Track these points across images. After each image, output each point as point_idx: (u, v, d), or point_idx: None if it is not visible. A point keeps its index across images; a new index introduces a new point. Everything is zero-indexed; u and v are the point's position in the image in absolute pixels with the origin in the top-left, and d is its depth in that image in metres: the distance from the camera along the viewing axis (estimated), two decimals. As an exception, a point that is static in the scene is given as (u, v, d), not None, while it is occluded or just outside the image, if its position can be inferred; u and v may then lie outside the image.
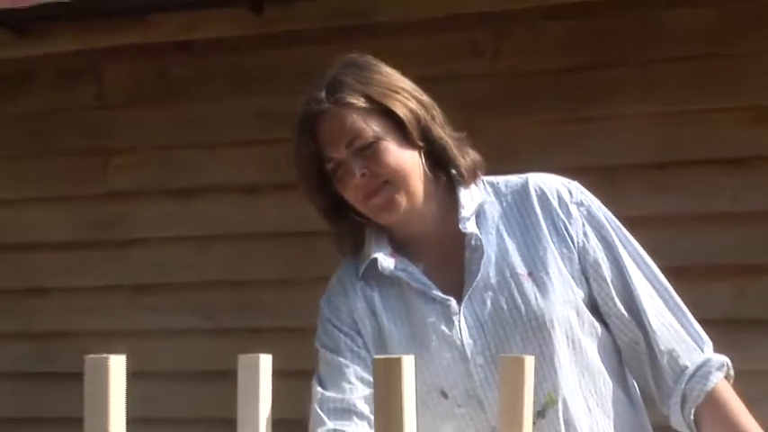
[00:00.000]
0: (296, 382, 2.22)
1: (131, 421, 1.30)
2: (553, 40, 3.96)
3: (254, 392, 1.42)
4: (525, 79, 3.96)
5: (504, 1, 3.89)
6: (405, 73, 1.85)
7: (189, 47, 4.33)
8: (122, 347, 1.31)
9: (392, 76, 1.79)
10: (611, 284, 1.76)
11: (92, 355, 1.28)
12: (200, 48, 4.33)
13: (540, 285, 1.73)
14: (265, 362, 1.40)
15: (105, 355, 1.30)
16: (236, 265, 4.28)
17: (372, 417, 1.49)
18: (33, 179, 4.55)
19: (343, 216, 1.82)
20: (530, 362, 1.40)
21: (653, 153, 3.84)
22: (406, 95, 1.77)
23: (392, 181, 1.73)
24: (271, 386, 1.43)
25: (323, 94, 1.74)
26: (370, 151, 1.72)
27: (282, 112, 3.98)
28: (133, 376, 1.29)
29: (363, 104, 1.73)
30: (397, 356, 1.18)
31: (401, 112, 1.74)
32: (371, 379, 1.67)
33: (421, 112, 1.77)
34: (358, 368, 1.72)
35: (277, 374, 1.40)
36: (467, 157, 1.80)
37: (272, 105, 4.14)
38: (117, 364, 1.30)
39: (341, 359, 1.74)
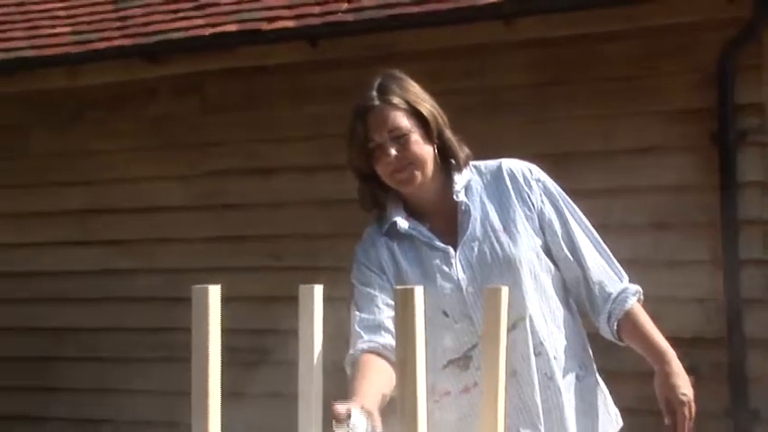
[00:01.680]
0: (340, 304, 2.23)
1: (224, 330, 1.32)
2: (523, 64, 3.93)
3: (310, 311, 1.43)
4: (503, 92, 3.94)
5: (486, 36, 3.87)
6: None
7: (265, 69, 4.32)
8: (218, 280, 1.31)
9: (419, 88, 1.77)
10: (560, 237, 1.76)
11: (197, 285, 1.29)
12: (273, 70, 4.31)
13: (512, 237, 1.72)
14: (318, 290, 1.40)
15: (206, 286, 1.30)
16: (299, 222, 4.29)
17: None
18: (157, 163, 4.56)
19: (371, 187, 1.79)
20: (505, 290, 1.42)
21: (593, 144, 3.81)
22: (430, 105, 1.75)
23: (414, 163, 1.71)
24: (322, 307, 1.44)
25: (375, 94, 1.72)
26: (403, 140, 1.70)
27: (330, 115, 4.02)
28: (225, 300, 1.30)
29: (403, 106, 1.71)
30: (411, 287, 1.19)
31: (428, 114, 1.73)
32: (394, 304, 1.69)
33: (439, 118, 1.76)
34: (384, 296, 1.70)
35: (326, 299, 1.41)
36: (463, 153, 1.78)
37: (323, 111, 4.13)
38: (214, 292, 1.31)
39: (371, 290, 1.72)
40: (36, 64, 4.53)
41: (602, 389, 1.84)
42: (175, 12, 4.48)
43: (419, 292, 1.20)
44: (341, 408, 1.35)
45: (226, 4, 4.39)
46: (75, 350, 4.71)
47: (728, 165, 3.60)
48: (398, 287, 1.19)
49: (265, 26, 4.09)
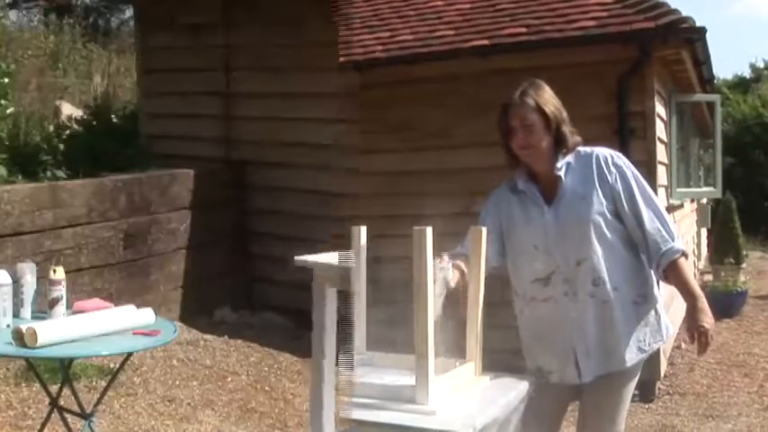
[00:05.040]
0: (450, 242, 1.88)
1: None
2: (494, 84, 3.65)
3: (422, 243, 1.31)
4: (482, 101, 3.65)
5: (471, 67, 3.88)
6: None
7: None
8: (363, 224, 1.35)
9: (550, 93, 1.66)
10: (626, 207, 1.64)
11: (416, 227, 1.29)
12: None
13: (587, 203, 1.63)
14: (429, 231, 1.32)
15: (359, 226, 1.40)
16: (451, 181, 3.89)
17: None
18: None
19: (511, 155, 1.70)
20: (483, 231, 1.48)
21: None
22: (553, 106, 1.64)
23: (533, 145, 1.64)
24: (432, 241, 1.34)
25: (518, 95, 1.64)
26: (529, 128, 1.63)
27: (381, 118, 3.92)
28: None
29: (533, 105, 1.62)
30: (422, 227, 1.24)
31: (549, 113, 1.63)
32: (495, 234, 1.65)
33: (559, 117, 1.65)
34: (491, 227, 1.63)
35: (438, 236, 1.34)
36: (572, 141, 1.66)
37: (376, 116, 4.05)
38: (363, 231, 1.41)
39: (486, 221, 1.68)
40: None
41: (660, 312, 1.70)
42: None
43: (428, 232, 1.26)
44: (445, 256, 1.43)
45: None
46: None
47: (624, 149, 3.64)
48: (416, 227, 1.27)
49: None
